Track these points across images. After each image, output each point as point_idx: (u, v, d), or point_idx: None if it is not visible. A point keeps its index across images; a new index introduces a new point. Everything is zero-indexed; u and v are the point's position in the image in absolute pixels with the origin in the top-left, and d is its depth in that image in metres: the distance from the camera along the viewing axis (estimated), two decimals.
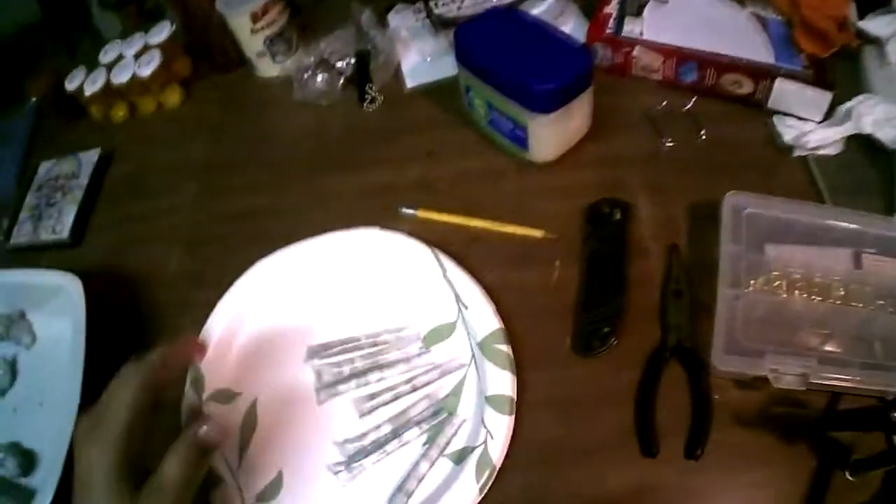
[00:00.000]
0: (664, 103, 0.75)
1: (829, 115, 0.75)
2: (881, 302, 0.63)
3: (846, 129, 0.75)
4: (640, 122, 0.74)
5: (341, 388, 0.62)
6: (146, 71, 0.84)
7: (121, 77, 0.85)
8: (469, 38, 0.69)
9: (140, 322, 0.69)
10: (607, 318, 0.61)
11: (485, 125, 0.72)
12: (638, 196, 0.69)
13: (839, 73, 0.80)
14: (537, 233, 0.66)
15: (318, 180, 0.74)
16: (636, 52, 0.75)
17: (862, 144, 0.74)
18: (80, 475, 0.45)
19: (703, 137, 0.73)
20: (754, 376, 0.58)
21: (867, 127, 0.75)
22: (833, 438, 0.57)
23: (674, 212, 0.68)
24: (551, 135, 0.69)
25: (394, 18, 0.83)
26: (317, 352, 0.63)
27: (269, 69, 0.83)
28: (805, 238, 0.67)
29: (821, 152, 0.74)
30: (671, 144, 0.73)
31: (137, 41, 0.88)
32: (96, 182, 0.82)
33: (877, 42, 0.83)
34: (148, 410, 0.47)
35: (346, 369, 0.62)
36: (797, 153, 0.73)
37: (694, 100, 0.76)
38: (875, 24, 0.83)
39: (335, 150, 0.76)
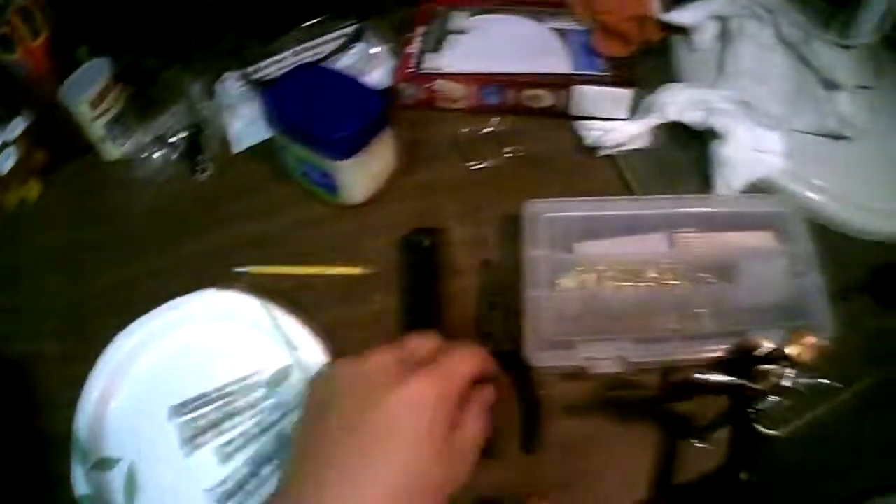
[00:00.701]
0: (466, 129, 0.80)
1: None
2: (701, 275, 0.69)
3: (650, 121, 0.79)
4: (449, 150, 0.79)
5: (201, 440, 0.65)
6: (5, 167, 0.87)
7: None
8: (273, 99, 0.73)
9: (17, 409, 0.72)
10: None
11: (301, 177, 0.76)
12: (449, 220, 0.73)
13: (654, 68, 0.86)
14: (356, 270, 0.70)
15: (166, 251, 0.77)
16: (438, 85, 0.80)
17: (675, 132, 0.79)
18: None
19: (509, 154, 0.78)
20: (579, 368, 0.62)
21: (672, 114, 0.80)
22: (672, 411, 0.61)
23: (485, 229, 0.72)
24: (358, 177, 0.73)
25: (220, 88, 0.87)
26: (177, 410, 0.67)
27: (112, 152, 0.86)
28: (618, 231, 0.71)
29: (629, 147, 0.79)
30: (479, 166, 0.77)
31: None
32: None
33: (686, 31, 0.89)
34: None
35: (203, 422, 0.66)
36: (603, 153, 0.78)
37: (497, 120, 0.80)
38: (682, 15, 0.88)
39: (176, 220, 0.79)
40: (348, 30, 0.88)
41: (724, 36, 0.88)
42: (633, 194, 0.76)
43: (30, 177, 0.90)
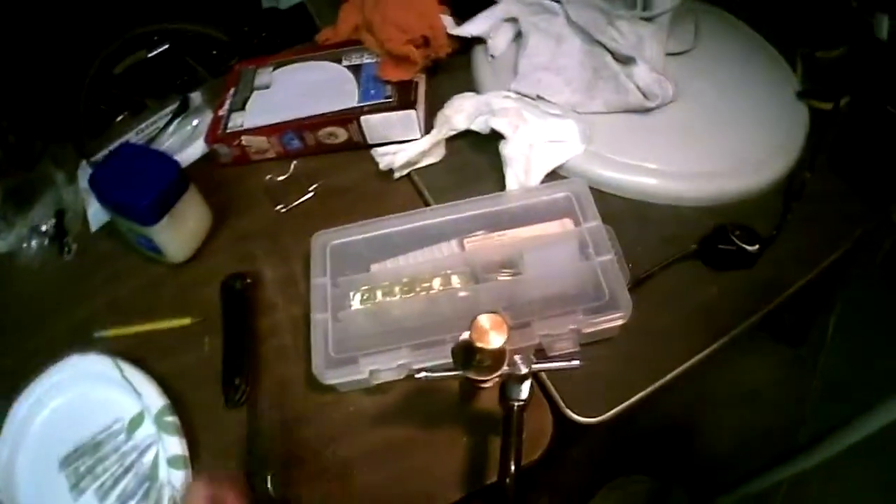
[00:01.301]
0: (274, 176, 0.89)
1: None
2: (492, 274, 0.73)
3: (436, 135, 0.85)
4: (261, 198, 0.88)
5: (83, 484, 0.76)
6: None
7: None
8: (94, 180, 0.82)
9: None
10: (240, 372, 0.74)
11: (138, 245, 0.86)
12: (263, 262, 0.82)
13: (456, 81, 0.92)
14: (186, 321, 0.80)
15: (49, 326, 0.87)
16: (245, 140, 0.89)
17: (472, 139, 0.86)
18: None
19: (312, 192, 0.87)
20: (375, 382, 0.69)
21: (461, 124, 0.85)
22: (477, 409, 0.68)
23: (294, 267, 0.81)
24: (174, 237, 0.82)
25: (80, 174, 0.98)
26: (63, 461, 0.78)
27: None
28: (412, 245, 0.77)
29: (424, 163, 0.86)
30: (288, 208, 0.86)
31: None
32: None
33: (481, 41, 0.95)
34: None
35: (82, 469, 0.77)
36: (397, 174, 0.86)
37: (294, 164, 0.90)
38: (471, 27, 0.94)
39: (50, 299, 0.90)
40: (174, 105, 0.99)
41: (518, 38, 0.93)
42: (428, 204, 0.82)
43: None
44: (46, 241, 0.94)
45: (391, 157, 0.85)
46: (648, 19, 0.87)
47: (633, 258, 0.72)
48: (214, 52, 1.14)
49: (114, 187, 0.81)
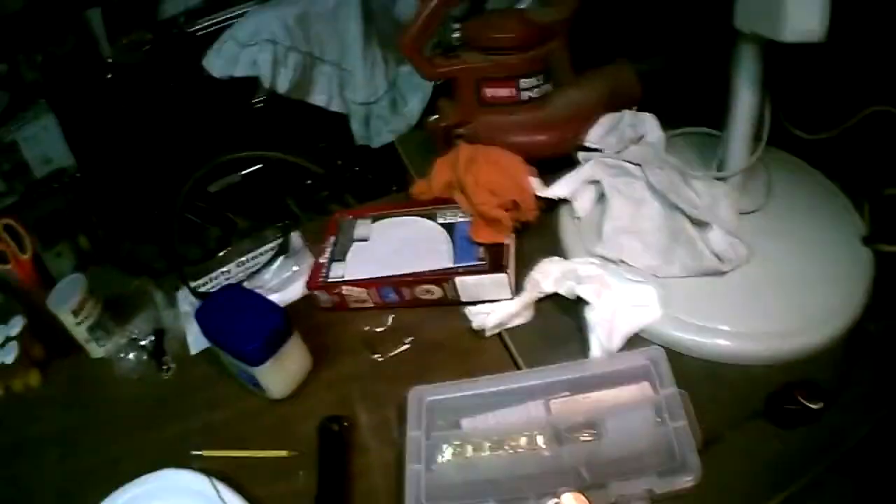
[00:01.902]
0: (372, 326, 0.98)
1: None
2: (575, 435, 0.79)
3: (527, 297, 0.93)
4: (358, 345, 0.97)
5: None
6: (10, 358, 1.03)
7: None
8: (201, 317, 0.92)
9: None
10: None
11: (238, 376, 0.94)
12: (358, 407, 0.90)
13: (542, 240, 1.00)
14: (283, 453, 0.87)
15: (138, 437, 0.95)
16: (345, 290, 0.98)
17: (558, 301, 0.93)
18: None
19: (407, 345, 0.95)
20: None
21: (548, 288, 0.92)
22: None
23: (387, 413, 0.89)
24: (276, 378, 0.90)
25: (179, 297, 1.08)
26: None
27: (96, 352, 1.05)
28: (501, 403, 0.84)
29: (514, 323, 0.93)
30: (383, 357, 0.94)
31: None
32: None
33: (567, 201, 1.02)
34: None
35: None
36: (489, 333, 0.93)
37: (391, 316, 0.98)
38: (557, 189, 1.02)
39: (146, 412, 0.98)
40: (274, 243, 1.09)
41: (601, 198, 1.01)
42: (519, 368, 0.89)
43: (31, 366, 1.09)
44: (145, 356, 1.02)
45: (483, 318, 0.93)
46: (723, 178, 0.95)
47: (704, 417, 0.78)
48: (308, 182, 1.25)
49: (221, 327, 0.90)
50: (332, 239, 1.06)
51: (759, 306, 0.88)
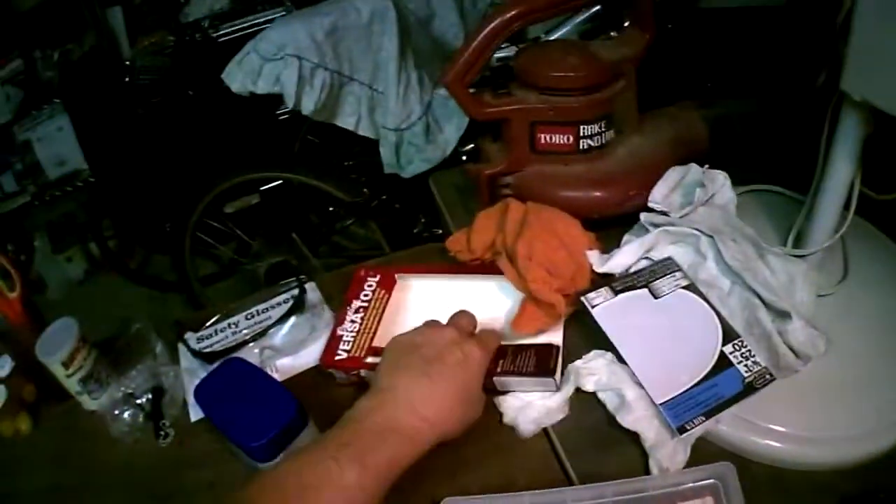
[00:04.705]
0: None
1: None
2: None
3: (568, 393, 0.81)
4: None
5: None
6: None
7: None
8: (202, 394, 0.82)
9: None
10: None
11: (243, 460, 0.82)
12: None
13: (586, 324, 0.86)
14: None
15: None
16: (364, 374, 0.86)
17: None
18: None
19: None
20: None
21: (589, 387, 0.82)
22: None
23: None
24: None
25: (181, 350, 0.97)
26: None
27: (89, 404, 0.96)
28: None
29: (553, 421, 0.81)
30: None
31: None
32: None
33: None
34: None
35: None
36: (524, 435, 0.81)
37: None
38: (616, 262, 0.89)
39: (140, 482, 0.88)
40: (288, 295, 0.98)
41: None
42: (567, 475, 0.78)
43: (21, 410, 1.00)
44: (141, 418, 0.92)
45: (515, 414, 0.82)
46: (800, 255, 0.85)
47: None
48: (331, 209, 1.14)
49: (223, 412, 0.79)
50: (356, 304, 0.93)
51: (830, 407, 0.79)
